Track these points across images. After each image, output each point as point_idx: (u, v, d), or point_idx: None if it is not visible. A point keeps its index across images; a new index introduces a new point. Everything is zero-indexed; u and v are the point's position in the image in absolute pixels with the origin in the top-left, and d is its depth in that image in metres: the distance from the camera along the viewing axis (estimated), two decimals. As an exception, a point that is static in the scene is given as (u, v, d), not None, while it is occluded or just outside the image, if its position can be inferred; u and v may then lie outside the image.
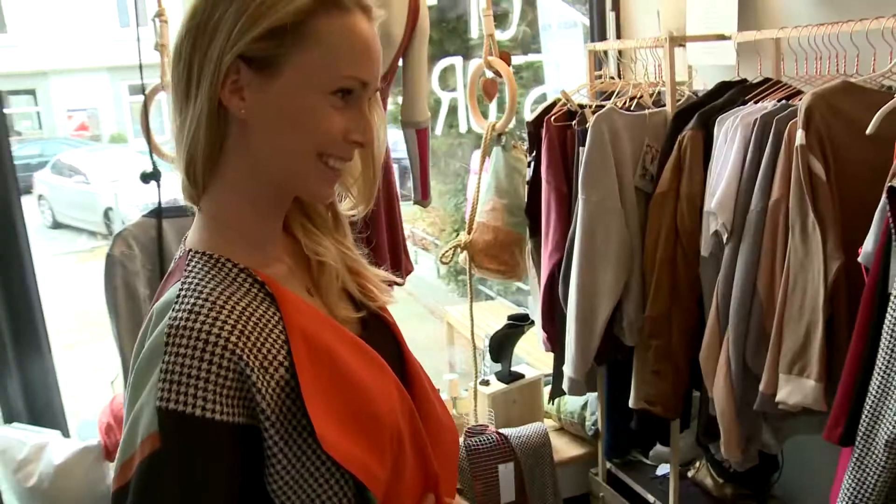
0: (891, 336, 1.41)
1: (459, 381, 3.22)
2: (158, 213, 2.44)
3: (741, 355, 1.94)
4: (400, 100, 2.53)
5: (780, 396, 1.84)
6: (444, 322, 2.99)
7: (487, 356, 3.23)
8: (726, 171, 1.93)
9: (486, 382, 3.06)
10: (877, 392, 1.45)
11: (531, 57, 3.58)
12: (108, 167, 12.67)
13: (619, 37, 3.10)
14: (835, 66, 1.97)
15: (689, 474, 2.84)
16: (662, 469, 2.84)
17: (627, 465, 2.96)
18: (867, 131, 1.61)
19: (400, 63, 2.43)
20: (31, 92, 16.68)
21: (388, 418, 0.97)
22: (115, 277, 2.42)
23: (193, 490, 0.87)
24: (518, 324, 2.98)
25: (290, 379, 0.91)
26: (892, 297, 1.45)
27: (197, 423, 0.86)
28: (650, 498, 2.76)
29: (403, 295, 7.46)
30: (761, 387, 1.88)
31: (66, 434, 2.79)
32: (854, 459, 1.50)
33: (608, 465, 3.00)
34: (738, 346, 1.93)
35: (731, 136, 1.95)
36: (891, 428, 1.40)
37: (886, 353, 1.43)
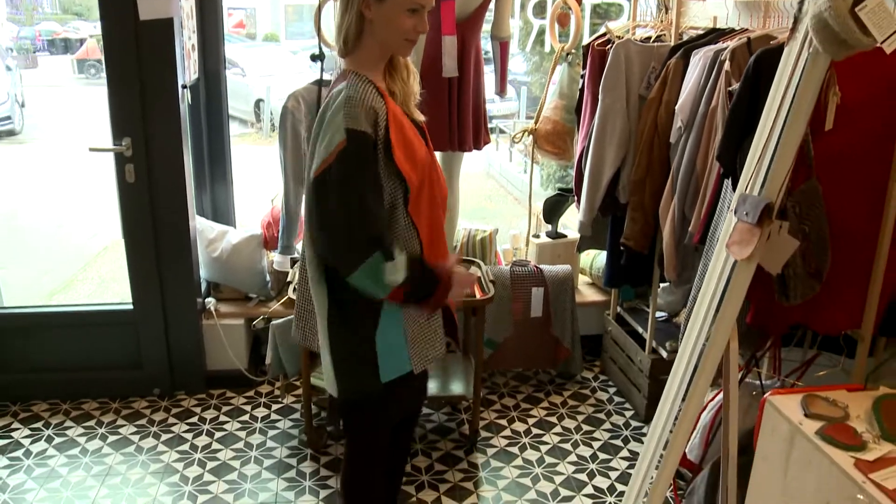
0: (725, 185, 2.44)
1: (521, 236, 4.34)
2: (320, 82, 3.57)
3: (682, 207, 2.97)
4: (492, 21, 3.62)
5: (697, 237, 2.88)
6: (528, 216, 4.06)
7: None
8: (689, 86, 2.94)
9: (536, 236, 4.18)
10: (717, 212, 2.49)
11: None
12: (261, 63, 13.82)
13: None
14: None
15: (674, 319, 3.89)
16: (659, 314, 3.89)
17: (631, 311, 4.04)
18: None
19: (494, -5, 3.51)
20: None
21: (421, 159, 2.09)
22: (287, 122, 3.60)
23: (362, 160, 1.99)
24: (565, 193, 4.06)
25: (387, 127, 2.03)
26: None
27: (361, 134, 1.98)
28: (640, 329, 3.83)
29: (511, 200, 8.78)
30: (690, 227, 2.92)
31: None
32: (704, 251, 2.55)
33: (618, 309, 4.08)
34: (680, 201, 2.97)
35: (698, 62, 2.95)
36: (724, 235, 2.44)
37: (722, 190, 2.47)
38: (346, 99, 1.98)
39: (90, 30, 13.20)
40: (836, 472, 1.46)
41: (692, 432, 2.81)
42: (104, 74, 3.31)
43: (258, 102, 12.84)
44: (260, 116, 12.77)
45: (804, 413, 1.61)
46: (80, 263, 6.74)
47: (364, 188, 1.98)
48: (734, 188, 2.38)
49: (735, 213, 1.68)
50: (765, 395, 1.68)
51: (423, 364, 2.26)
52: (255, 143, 11.87)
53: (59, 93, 13.12)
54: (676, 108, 2.98)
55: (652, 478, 2.32)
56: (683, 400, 2.07)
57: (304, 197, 2.59)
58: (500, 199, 9.16)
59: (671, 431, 2.09)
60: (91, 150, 3.43)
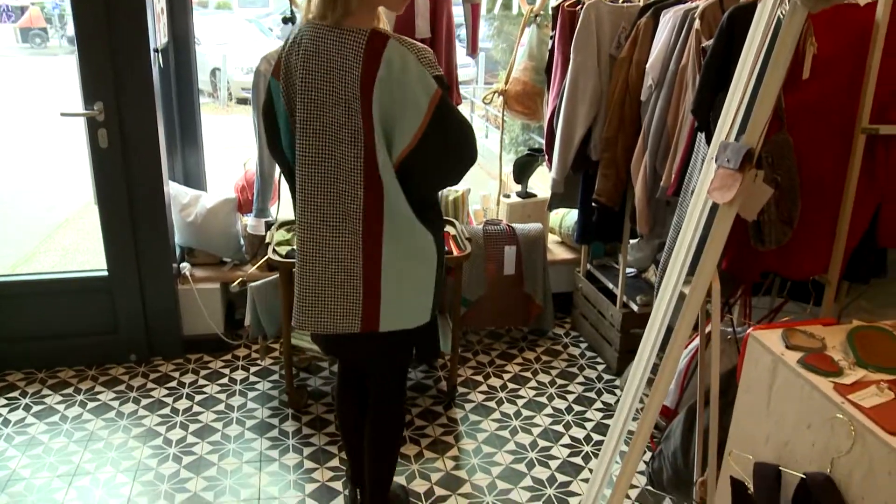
0: (699, 137, 2.53)
1: (490, 197, 4.41)
2: (292, 45, 3.57)
3: (653, 163, 3.06)
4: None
5: (666, 185, 2.96)
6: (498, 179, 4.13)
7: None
8: (659, 45, 3.01)
9: (507, 196, 4.24)
10: (691, 166, 2.57)
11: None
12: (216, 32, 13.67)
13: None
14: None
15: (643, 275, 4.00)
16: (628, 271, 3.99)
17: (601, 268, 4.14)
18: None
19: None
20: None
21: None
22: (259, 84, 3.59)
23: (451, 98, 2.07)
24: (534, 153, 4.13)
25: None
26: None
27: (441, 77, 2.04)
28: (610, 285, 3.93)
29: (474, 167, 8.82)
30: (662, 182, 3.00)
31: (216, 189, 4.04)
32: (678, 204, 2.63)
33: (588, 266, 4.18)
34: (652, 157, 3.05)
35: (668, 22, 3.02)
36: (694, 183, 2.52)
37: (695, 145, 2.55)
38: (421, 50, 2.05)
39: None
40: (816, 396, 1.55)
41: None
42: (49, 44, 3.28)
43: (214, 71, 12.73)
44: (216, 85, 12.67)
45: (785, 345, 1.71)
46: (40, 235, 6.67)
47: (465, 124, 2.15)
48: (707, 142, 2.46)
49: (716, 160, 1.76)
50: (748, 331, 1.77)
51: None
52: (213, 112, 11.76)
53: (3, 63, 12.85)
54: (647, 66, 3.05)
55: (630, 431, 2.42)
56: (661, 350, 2.16)
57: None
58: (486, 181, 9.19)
59: (649, 381, 2.18)
60: (62, 114, 3.40)
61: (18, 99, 10.33)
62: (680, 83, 2.91)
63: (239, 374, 3.75)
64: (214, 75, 12.81)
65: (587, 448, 3.24)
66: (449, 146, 2.11)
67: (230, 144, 7.85)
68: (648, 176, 3.08)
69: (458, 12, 3.70)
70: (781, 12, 1.81)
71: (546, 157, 3.73)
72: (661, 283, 2.74)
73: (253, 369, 3.80)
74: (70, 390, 3.59)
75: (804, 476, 1.53)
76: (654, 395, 1.94)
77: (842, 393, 1.52)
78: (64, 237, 6.70)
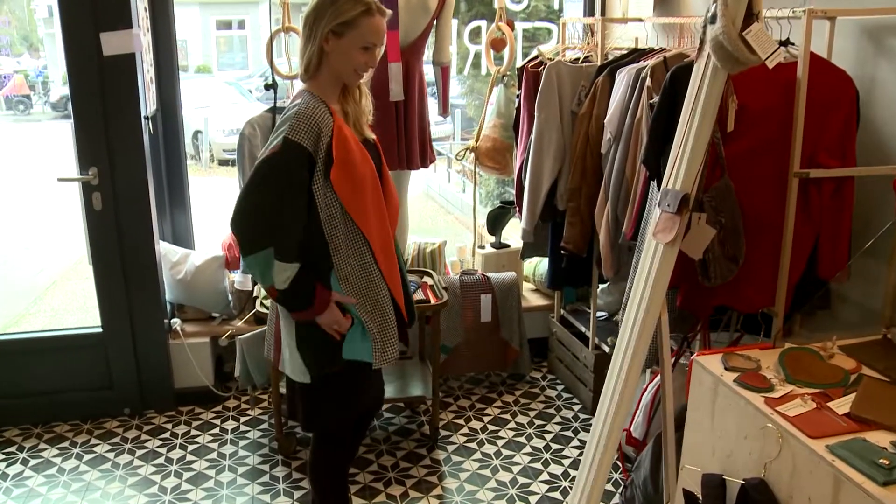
0: (651, 187, 2.75)
1: (466, 248, 4.62)
2: (273, 109, 3.80)
3: (615, 211, 3.28)
4: (433, 47, 3.91)
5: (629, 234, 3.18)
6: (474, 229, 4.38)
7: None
8: (616, 101, 3.26)
9: (482, 247, 4.46)
10: (647, 211, 2.80)
11: (538, 24, 4.89)
12: (196, 95, 13.89)
13: (603, 13, 4.37)
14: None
15: (614, 318, 4.19)
16: (599, 314, 4.19)
17: (574, 312, 4.34)
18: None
19: (434, 24, 3.80)
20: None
21: (361, 176, 2.34)
22: (244, 147, 3.83)
23: (288, 168, 2.25)
24: (507, 206, 4.35)
25: (330, 143, 2.29)
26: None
27: (296, 145, 2.24)
28: (583, 329, 4.12)
29: (451, 220, 9.09)
30: (623, 228, 3.22)
31: (207, 246, 4.21)
32: (637, 246, 2.85)
33: (562, 311, 4.38)
34: (613, 205, 3.28)
35: (622, 80, 3.27)
36: (651, 227, 2.74)
37: (649, 192, 2.78)
38: (296, 114, 2.28)
39: (13, 65, 13.11)
40: (750, 410, 1.76)
41: (635, 413, 3.10)
42: (33, 110, 3.50)
43: (196, 134, 12.87)
44: (199, 148, 12.84)
45: (724, 367, 1.91)
46: (29, 298, 6.80)
47: (280, 193, 2.27)
48: (659, 189, 2.69)
49: (659, 205, 1.97)
50: (692, 357, 1.98)
51: (383, 360, 2.49)
52: (194, 174, 11.89)
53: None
54: (605, 121, 3.29)
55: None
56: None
57: None
58: (441, 219, 9.46)
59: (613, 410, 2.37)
60: (59, 180, 3.60)
61: (3, 165, 10.49)
62: (636, 136, 3.14)
63: (230, 424, 3.89)
64: (196, 138, 12.93)
65: (565, 483, 3.40)
66: (245, 194, 2.31)
67: (215, 203, 8.04)
68: (611, 223, 3.30)
69: (429, 72, 3.95)
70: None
71: (517, 208, 3.95)
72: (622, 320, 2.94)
73: (243, 419, 3.95)
74: (66, 444, 3.73)
75: (743, 482, 1.72)
76: (612, 427, 2.12)
77: (771, 405, 1.72)
78: (53, 298, 6.83)
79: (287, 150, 2.24)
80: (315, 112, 2.27)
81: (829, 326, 2.81)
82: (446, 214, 9.59)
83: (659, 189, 2.67)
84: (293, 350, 2.47)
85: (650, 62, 3.08)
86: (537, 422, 3.92)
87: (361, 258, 2.41)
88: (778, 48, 1.64)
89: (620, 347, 2.41)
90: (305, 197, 2.31)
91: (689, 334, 2.81)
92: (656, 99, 2.84)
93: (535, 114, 3.60)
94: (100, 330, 3.85)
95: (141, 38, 3.58)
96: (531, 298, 4.55)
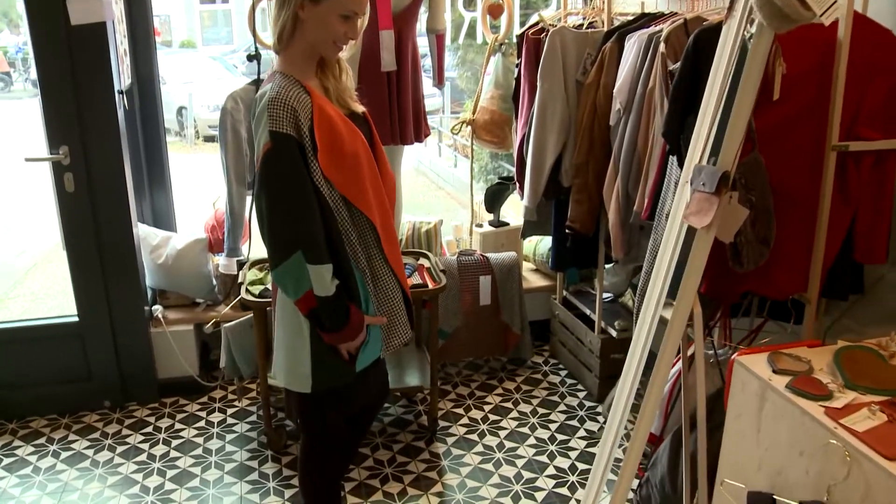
0: (670, 162, 2.53)
1: (463, 227, 4.39)
2: (257, 82, 3.55)
3: (626, 187, 3.05)
4: (426, 14, 3.66)
5: (640, 209, 2.96)
6: (470, 209, 4.14)
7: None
8: (626, 69, 3.02)
9: (480, 225, 4.23)
10: (664, 189, 2.57)
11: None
12: (180, 70, 13.61)
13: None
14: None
15: (620, 300, 3.98)
16: (605, 296, 3.98)
17: (577, 294, 4.12)
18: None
19: (428, -12, 3.55)
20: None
21: (350, 154, 2.11)
22: (226, 123, 3.57)
23: (285, 161, 2.03)
24: (505, 182, 4.12)
25: (312, 127, 2.06)
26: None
27: (283, 136, 2.02)
28: (588, 311, 3.91)
29: (443, 195, 8.85)
30: (635, 206, 3.00)
31: (187, 229, 3.98)
32: (653, 228, 2.63)
33: (564, 292, 4.16)
34: (624, 181, 3.05)
35: (633, 46, 3.03)
36: (668, 207, 2.51)
37: (667, 168, 2.56)
38: (269, 101, 2.03)
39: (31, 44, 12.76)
40: (808, 422, 1.53)
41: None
42: (13, 87, 3.24)
43: (180, 110, 12.65)
44: (183, 124, 12.59)
45: (772, 369, 1.69)
46: (9, 282, 6.55)
47: (287, 189, 2.05)
48: (679, 165, 2.46)
49: (691, 184, 1.75)
50: (732, 357, 1.76)
51: (391, 347, 2.34)
52: (180, 150, 11.66)
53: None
54: (614, 91, 3.06)
55: (617, 458, 2.38)
56: (644, 374, 2.14)
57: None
58: (433, 195, 9.22)
59: (634, 407, 2.17)
60: (27, 160, 3.35)
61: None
62: (648, 106, 2.91)
63: (216, 417, 3.68)
64: (181, 114, 12.71)
65: (573, 478, 3.20)
66: (259, 210, 2.12)
67: (201, 180, 7.80)
68: (621, 200, 3.08)
69: (422, 43, 3.70)
70: (747, 33, 1.82)
71: (517, 184, 3.72)
72: (639, 308, 2.73)
73: (230, 411, 3.73)
74: (42, 440, 3.50)
75: (801, 504, 1.51)
76: (640, 423, 1.91)
77: (833, 417, 1.50)
78: (33, 282, 6.58)
79: (277, 144, 2.02)
80: (288, 95, 2.04)
81: (863, 315, 2.60)
82: (437, 190, 9.34)
83: (680, 164, 2.45)
84: (296, 356, 2.25)
85: (664, 26, 2.84)
86: (541, 410, 3.71)
87: (367, 243, 2.21)
88: (834, 2, 1.42)
89: (640, 336, 2.19)
90: (312, 188, 2.08)
91: (709, 321, 2.59)
92: (674, 66, 2.62)
93: (538, 84, 3.36)
94: (76, 319, 3.61)
95: (112, 5, 3.32)
96: (532, 279, 4.33)
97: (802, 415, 1.55)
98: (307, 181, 2.06)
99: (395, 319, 2.31)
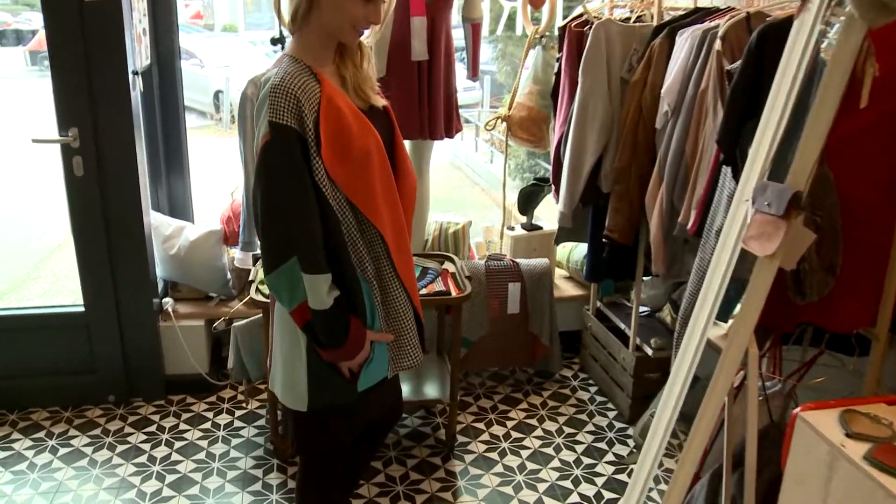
0: (724, 172, 2.27)
1: (494, 229, 4.15)
2: (282, 68, 3.34)
3: (671, 197, 2.80)
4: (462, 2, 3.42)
5: (689, 223, 2.70)
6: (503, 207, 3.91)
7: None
8: (676, 68, 2.77)
9: (511, 228, 3.99)
10: (715, 203, 2.32)
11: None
12: (220, 54, 13.54)
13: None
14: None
15: (658, 315, 3.73)
16: (641, 310, 3.73)
17: (611, 305, 3.87)
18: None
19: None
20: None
21: (360, 153, 1.87)
22: (246, 110, 3.35)
23: (285, 156, 1.80)
24: (541, 183, 3.87)
25: (318, 119, 1.83)
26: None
27: (284, 128, 1.79)
28: (622, 325, 3.66)
29: (478, 191, 8.62)
30: (680, 218, 2.75)
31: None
32: (700, 245, 2.38)
33: (598, 303, 3.91)
34: (668, 190, 2.80)
35: (685, 42, 2.78)
36: (718, 223, 2.26)
37: (719, 179, 2.30)
38: (271, 88, 1.81)
39: (40, 20, 12.79)
40: (894, 504, 1.27)
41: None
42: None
43: (217, 94, 12.57)
44: (219, 108, 12.49)
45: (845, 433, 1.43)
46: (31, 262, 6.44)
47: (284, 185, 1.83)
48: (734, 177, 2.21)
49: (753, 203, 1.50)
50: (794, 412, 1.50)
51: (397, 368, 2.12)
52: (215, 134, 11.56)
53: (10, 85, 12.70)
54: (663, 91, 2.81)
55: (650, 491, 2.15)
56: (684, 405, 1.90)
57: None
58: (467, 190, 8.99)
59: (665, 442, 1.93)
60: (34, 141, 3.17)
61: (23, 119, 10.15)
62: (699, 109, 2.66)
63: (223, 419, 3.48)
64: (217, 98, 12.65)
65: (597, 506, 2.97)
66: (255, 210, 1.90)
67: (233, 167, 7.66)
68: (665, 211, 2.83)
69: (457, 35, 3.47)
70: (827, 27, 1.56)
71: (553, 187, 3.48)
72: (681, 331, 2.48)
73: (238, 413, 3.54)
74: (42, 434, 3.34)
75: None
76: (683, 466, 1.67)
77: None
78: (55, 263, 6.47)
79: (277, 136, 1.80)
80: (292, 82, 1.80)
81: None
82: (472, 185, 9.09)
83: (734, 177, 2.20)
84: (292, 369, 2.04)
85: (722, 22, 2.59)
86: (567, 429, 3.47)
87: (375, 253, 1.98)
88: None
89: (682, 367, 1.95)
90: (312, 187, 1.85)
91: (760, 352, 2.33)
92: (732, 66, 2.37)
93: (580, 80, 3.11)
94: (82, 309, 3.44)
95: (129, -19, 3.12)
96: (564, 287, 4.08)
97: (887, 497, 1.28)
98: (307, 178, 1.83)
99: (404, 339, 2.09)
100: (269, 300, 2.87)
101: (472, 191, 8.92)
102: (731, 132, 2.11)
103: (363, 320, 1.98)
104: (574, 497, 3.01)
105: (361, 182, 1.89)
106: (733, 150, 2.11)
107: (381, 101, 2.04)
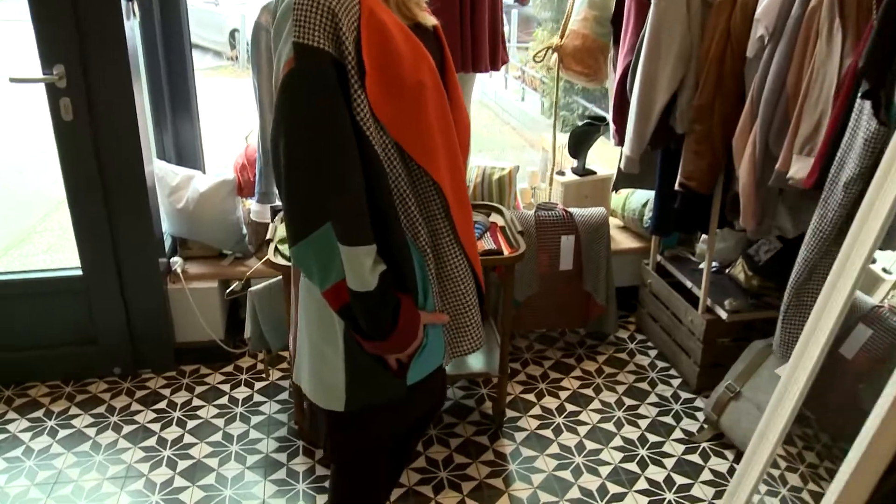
0: (859, 109, 1.81)
1: (540, 174, 3.70)
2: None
3: (765, 139, 2.35)
4: None
5: (790, 173, 2.25)
6: (541, 149, 3.43)
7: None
8: (775, -18, 2.29)
9: (561, 173, 3.54)
10: (843, 148, 1.86)
11: None
12: (236, -11, 13.05)
13: None
14: None
15: (727, 271, 3.29)
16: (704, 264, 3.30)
17: (673, 259, 3.43)
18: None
19: None
20: None
21: (418, 83, 1.43)
22: (260, 41, 2.92)
23: (318, 86, 1.37)
24: (595, 122, 3.41)
25: (358, 38, 1.38)
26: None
27: (313, 50, 1.35)
28: (688, 283, 3.22)
29: (508, 130, 8.13)
30: (777, 165, 2.30)
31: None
32: (821, 200, 1.93)
33: (658, 257, 3.47)
34: (763, 131, 2.34)
35: (786, -49, 2.29)
36: (849, 173, 1.82)
37: (853, 119, 1.84)
38: (295, 2, 1.35)
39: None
40: None
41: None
42: None
43: (233, 32, 12.09)
44: (235, 47, 12.02)
45: None
46: (39, 213, 6.08)
47: (315, 130, 1.38)
48: (876, 115, 1.75)
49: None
50: None
51: (455, 354, 1.71)
52: (231, 75, 11.09)
53: (15, 27, 12.29)
54: (757, 12, 2.33)
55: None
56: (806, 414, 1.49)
57: None
58: (497, 129, 8.50)
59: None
60: (12, 80, 2.74)
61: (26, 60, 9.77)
62: (805, 33, 2.19)
63: (241, 392, 3.11)
64: (233, 37, 12.18)
65: (669, 496, 2.57)
66: (276, 160, 1.44)
67: (244, 112, 7.23)
68: (758, 155, 2.37)
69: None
70: None
71: (614, 127, 3.02)
72: (790, 301, 2.05)
73: (258, 386, 3.16)
74: (40, 413, 2.98)
75: None
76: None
77: None
78: (62, 215, 6.11)
79: (305, 62, 1.35)
80: None
81: None
82: (503, 125, 8.60)
83: (876, 115, 1.74)
84: (324, 361, 1.62)
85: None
86: (627, 401, 3.08)
87: (430, 212, 1.55)
88: None
89: (813, 349, 1.53)
90: (351, 131, 1.40)
91: None
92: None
93: (652, 1, 2.62)
94: (79, 272, 3.05)
95: None
96: (619, 239, 3.63)
97: None
98: (346, 120, 1.38)
99: (464, 318, 1.66)
100: (291, 264, 2.45)
101: (502, 130, 8.43)
102: (882, 60, 1.65)
103: (414, 298, 1.56)
104: (641, 483, 2.63)
105: (415, 122, 1.45)
106: (882, 81, 1.65)
107: (430, 20, 1.58)
